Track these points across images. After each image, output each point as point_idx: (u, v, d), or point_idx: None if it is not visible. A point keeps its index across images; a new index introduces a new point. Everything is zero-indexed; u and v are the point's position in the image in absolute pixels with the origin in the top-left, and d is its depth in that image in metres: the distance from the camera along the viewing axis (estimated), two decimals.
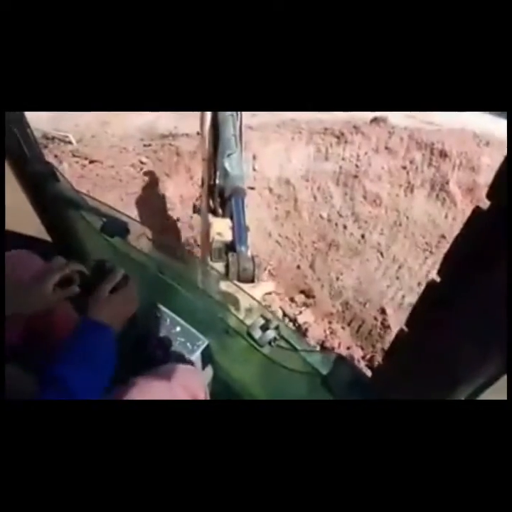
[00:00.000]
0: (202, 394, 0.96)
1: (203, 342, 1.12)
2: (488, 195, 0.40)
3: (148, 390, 0.85)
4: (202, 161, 2.54)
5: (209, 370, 1.19)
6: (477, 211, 0.42)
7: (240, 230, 1.81)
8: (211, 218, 2.04)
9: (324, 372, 0.90)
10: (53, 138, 4.55)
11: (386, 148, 5.66)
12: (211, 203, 2.38)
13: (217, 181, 2.16)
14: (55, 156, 4.28)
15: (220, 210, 2.17)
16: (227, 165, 2.00)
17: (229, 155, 2.03)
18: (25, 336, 0.79)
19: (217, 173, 2.18)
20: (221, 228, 1.71)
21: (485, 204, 0.40)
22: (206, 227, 1.96)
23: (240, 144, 2.20)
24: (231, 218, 1.82)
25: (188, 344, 1.10)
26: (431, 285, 0.52)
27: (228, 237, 1.70)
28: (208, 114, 2.32)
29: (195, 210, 2.79)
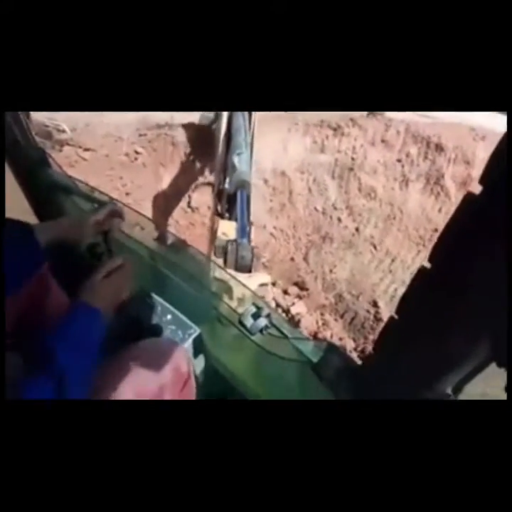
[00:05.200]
0: (185, 365, 0.96)
1: (195, 330, 1.12)
2: (481, 181, 0.40)
3: (130, 364, 0.86)
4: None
5: (201, 359, 1.19)
6: (469, 197, 0.42)
7: (242, 222, 1.92)
8: (219, 220, 2.17)
9: (315, 360, 0.90)
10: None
11: (382, 141, 5.65)
12: (219, 207, 2.61)
13: (226, 186, 2.36)
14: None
15: (226, 214, 2.38)
16: (236, 161, 2.23)
17: (239, 154, 2.29)
18: (15, 320, 0.79)
19: (226, 172, 2.46)
20: (227, 229, 1.80)
21: (477, 189, 0.40)
22: (214, 229, 2.12)
23: (249, 147, 2.51)
24: (237, 220, 1.93)
25: (180, 332, 1.10)
26: (421, 272, 0.52)
27: (232, 236, 1.75)
28: (224, 125, 2.78)
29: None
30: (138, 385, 0.82)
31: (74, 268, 0.90)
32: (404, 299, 0.57)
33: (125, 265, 0.81)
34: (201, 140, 4.86)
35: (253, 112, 3.06)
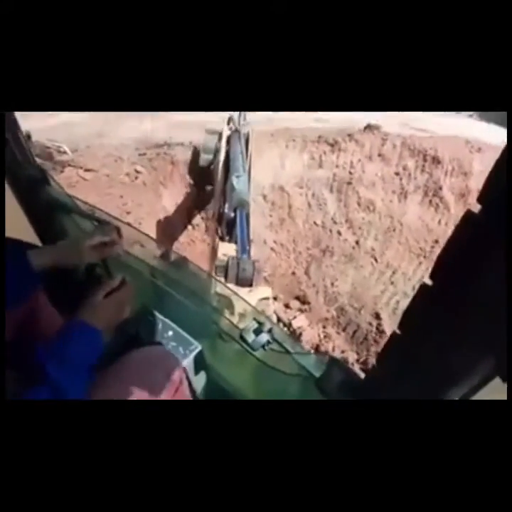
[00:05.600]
0: (175, 372, 0.94)
1: (196, 347, 1.11)
2: (479, 199, 0.40)
3: (123, 374, 0.85)
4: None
5: (202, 376, 1.18)
6: (469, 214, 0.42)
7: (242, 239, 2.07)
8: (219, 242, 2.29)
9: (317, 374, 0.90)
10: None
11: (379, 155, 5.72)
12: (219, 230, 2.77)
13: (226, 210, 2.52)
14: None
15: (227, 237, 2.53)
16: (235, 182, 2.44)
17: (237, 176, 2.52)
18: (11, 334, 0.80)
19: (226, 197, 2.68)
20: (227, 250, 1.91)
21: (476, 207, 0.41)
22: (214, 251, 2.27)
23: (247, 172, 2.81)
24: (237, 242, 2.07)
25: (181, 349, 1.09)
26: (423, 288, 0.52)
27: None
28: (223, 151, 3.09)
29: None
30: (128, 394, 0.81)
31: (72, 291, 0.90)
32: (406, 314, 0.57)
33: (125, 284, 0.81)
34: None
35: (250, 142, 3.27)
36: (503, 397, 0.47)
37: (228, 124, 3.50)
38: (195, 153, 4.86)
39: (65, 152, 4.63)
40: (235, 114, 3.65)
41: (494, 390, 0.51)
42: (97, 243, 0.90)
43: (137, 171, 4.78)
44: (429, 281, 0.50)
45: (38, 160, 1.38)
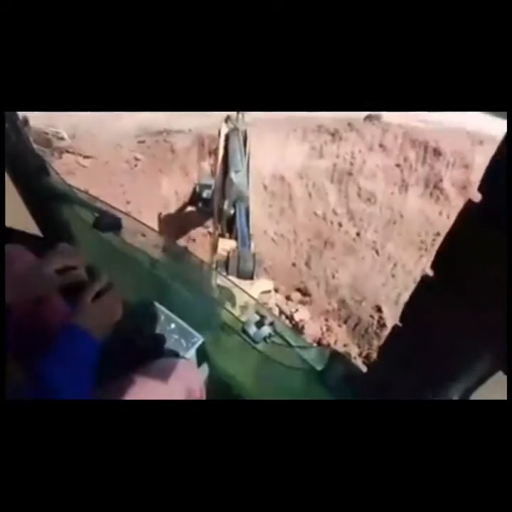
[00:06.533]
0: (197, 388, 0.96)
1: (198, 339, 1.11)
2: (480, 189, 0.40)
3: (144, 384, 0.86)
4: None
5: (204, 368, 1.19)
6: (469, 205, 0.42)
7: (242, 232, 2.08)
8: (219, 239, 2.28)
9: (319, 368, 0.90)
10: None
11: (380, 146, 5.68)
12: (219, 228, 2.77)
13: (225, 207, 2.52)
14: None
15: (227, 234, 2.53)
16: (233, 177, 2.48)
17: (236, 171, 2.54)
18: (16, 328, 0.79)
19: (226, 193, 2.67)
20: (226, 246, 1.93)
21: (477, 198, 0.40)
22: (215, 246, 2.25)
23: (246, 166, 2.82)
24: (236, 238, 2.09)
25: (183, 341, 1.09)
26: (424, 280, 0.52)
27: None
28: (221, 147, 3.11)
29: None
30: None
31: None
32: (407, 306, 0.57)
33: (112, 286, 0.79)
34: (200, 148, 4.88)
35: (247, 137, 3.27)
36: (503, 397, 0.47)
37: (226, 122, 3.49)
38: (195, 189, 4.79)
39: (63, 138, 4.57)
40: (233, 113, 3.63)
41: (495, 384, 0.51)
42: (58, 268, 0.79)
43: (136, 159, 4.74)
44: (430, 272, 0.50)
45: (35, 146, 1.35)
